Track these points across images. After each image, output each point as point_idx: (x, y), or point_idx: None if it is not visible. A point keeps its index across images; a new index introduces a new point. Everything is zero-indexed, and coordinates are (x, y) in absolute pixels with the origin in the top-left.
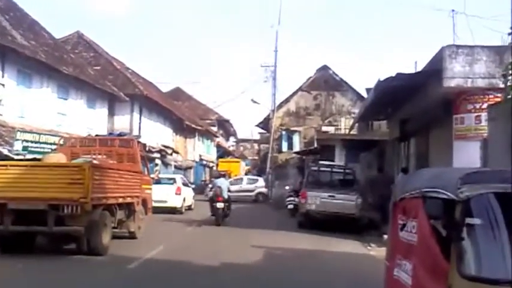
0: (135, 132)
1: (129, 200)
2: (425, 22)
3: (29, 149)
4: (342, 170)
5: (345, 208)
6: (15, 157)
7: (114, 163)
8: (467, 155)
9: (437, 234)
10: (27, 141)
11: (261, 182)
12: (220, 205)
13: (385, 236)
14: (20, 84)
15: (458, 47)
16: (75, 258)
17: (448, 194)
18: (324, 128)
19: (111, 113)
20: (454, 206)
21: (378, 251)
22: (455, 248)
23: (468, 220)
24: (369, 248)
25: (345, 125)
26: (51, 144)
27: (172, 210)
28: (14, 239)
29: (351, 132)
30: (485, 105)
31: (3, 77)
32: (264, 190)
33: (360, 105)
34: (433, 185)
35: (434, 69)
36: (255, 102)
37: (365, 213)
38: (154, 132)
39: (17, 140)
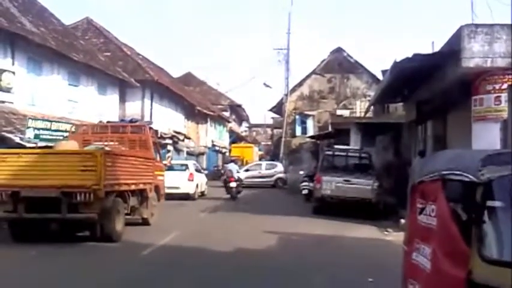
0: (147, 119)
1: (141, 186)
2: (443, 1)
3: (41, 136)
4: (357, 154)
5: (361, 193)
6: (27, 145)
7: (126, 150)
8: (487, 137)
9: (457, 217)
10: (38, 128)
11: (279, 167)
12: (233, 184)
13: (402, 221)
14: (30, 72)
15: (477, 26)
16: (88, 245)
17: (469, 176)
18: (339, 112)
19: (122, 100)
20: (475, 189)
21: (395, 236)
22: (476, 231)
23: (489, 203)
24: (385, 233)
25: (360, 108)
26: (62, 131)
27: (185, 197)
28: (28, 227)
29: (367, 116)
30: (505, 86)
31: (13, 64)
32: (283, 175)
33: (376, 87)
34: (452, 167)
35: (452, 50)
36: (267, 86)
37: (381, 197)
38: (166, 118)
39: (29, 127)
